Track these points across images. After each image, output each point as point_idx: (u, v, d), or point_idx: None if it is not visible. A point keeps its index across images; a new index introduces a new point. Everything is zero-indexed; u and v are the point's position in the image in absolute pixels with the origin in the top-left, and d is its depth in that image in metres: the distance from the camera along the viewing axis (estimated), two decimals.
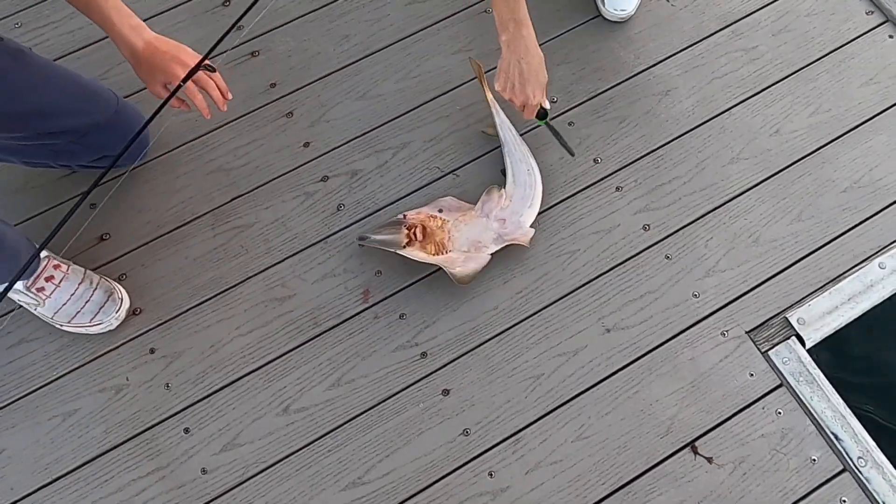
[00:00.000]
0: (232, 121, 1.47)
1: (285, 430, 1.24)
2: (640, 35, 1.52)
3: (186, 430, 1.25)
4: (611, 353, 1.27)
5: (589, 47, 1.51)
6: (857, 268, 1.31)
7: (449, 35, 1.53)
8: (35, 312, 1.29)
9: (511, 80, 1.20)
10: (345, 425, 1.24)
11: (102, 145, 1.32)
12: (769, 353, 1.26)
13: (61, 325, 1.29)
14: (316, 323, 1.31)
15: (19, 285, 1.24)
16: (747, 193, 1.38)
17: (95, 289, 1.28)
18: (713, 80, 1.47)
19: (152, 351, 1.30)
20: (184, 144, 1.44)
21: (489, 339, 1.29)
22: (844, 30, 1.51)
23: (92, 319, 1.28)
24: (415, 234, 1.28)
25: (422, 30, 1.54)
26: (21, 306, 1.28)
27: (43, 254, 1.29)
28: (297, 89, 1.50)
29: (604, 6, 1.49)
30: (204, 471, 1.22)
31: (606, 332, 1.28)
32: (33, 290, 1.25)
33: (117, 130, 1.30)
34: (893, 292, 1.29)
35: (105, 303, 1.28)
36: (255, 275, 1.35)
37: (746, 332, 1.27)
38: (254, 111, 1.48)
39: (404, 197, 1.40)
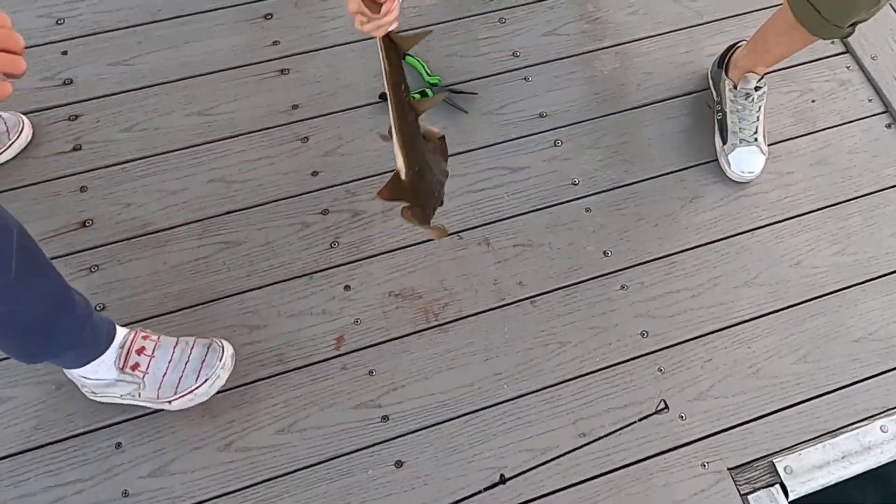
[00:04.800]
0: (246, 133, 1.42)
1: (222, 467, 1.16)
2: (677, 136, 1.47)
3: (118, 446, 1.16)
4: (580, 460, 1.18)
5: (622, 137, 1.47)
6: (856, 425, 1.23)
7: (488, 92, 1.50)
8: (140, 402, 1.14)
9: None
10: (286, 476, 1.16)
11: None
12: (749, 496, 1.17)
13: (170, 402, 1.14)
14: (281, 360, 1.24)
15: (113, 373, 1.09)
16: (756, 321, 1.31)
17: (193, 346, 1.16)
18: (741, 196, 1.42)
19: None
20: (190, 147, 1.39)
21: (456, 417, 1.21)
22: (884, 175, 1.46)
23: (197, 378, 1.14)
24: None
25: (460, 82, 1.50)
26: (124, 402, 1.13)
27: (124, 329, 1.13)
28: (319, 116, 1.46)
29: (730, 168, 1.41)
30: (126, 493, 1.13)
31: (580, 436, 1.20)
32: (128, 370, 1.10)
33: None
34: (891, 460, 1.21)
35: (206, 355, 1.15)
36: (231, 296, 1.28)
37: (728, 469, 1.19)
38: (270, 128, 1.43)
39: (402, 248, 1.34)
